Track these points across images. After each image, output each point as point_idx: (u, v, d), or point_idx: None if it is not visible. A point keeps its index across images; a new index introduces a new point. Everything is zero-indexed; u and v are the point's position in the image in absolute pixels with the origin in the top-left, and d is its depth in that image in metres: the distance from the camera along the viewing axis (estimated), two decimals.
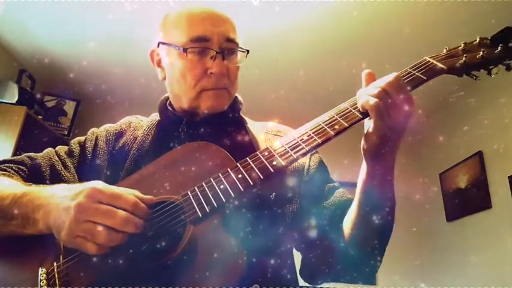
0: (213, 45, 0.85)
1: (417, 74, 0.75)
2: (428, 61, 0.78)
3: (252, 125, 0.99)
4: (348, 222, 0.79)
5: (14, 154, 2.50)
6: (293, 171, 0.88)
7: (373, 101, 0.66)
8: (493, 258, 2.58)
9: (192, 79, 0.86)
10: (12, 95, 2.69)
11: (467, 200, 2.89)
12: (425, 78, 0.74)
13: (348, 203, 0.82)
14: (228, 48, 0.87)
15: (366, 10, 2.24)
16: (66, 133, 3.19)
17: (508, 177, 2.50)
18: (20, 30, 2.63)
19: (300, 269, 0.88)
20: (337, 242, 0.79)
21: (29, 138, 2.64)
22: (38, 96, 3.06)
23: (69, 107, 3.28)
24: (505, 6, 2.13)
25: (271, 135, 0.96)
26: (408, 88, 0.70)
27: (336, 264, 0.80)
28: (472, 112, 2.94)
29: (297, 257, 0.88)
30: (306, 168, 0.90)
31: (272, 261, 0.76)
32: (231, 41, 0.88)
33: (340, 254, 0.79)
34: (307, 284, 0.90)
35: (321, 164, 0.94)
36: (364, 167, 0.74)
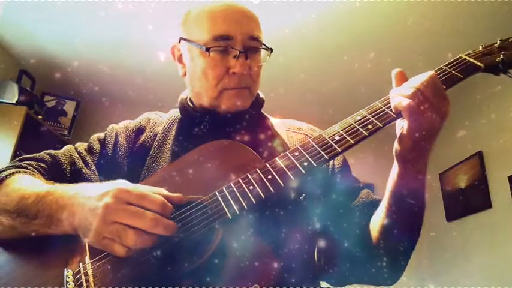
0: (236, 44, 0.82)
1: (454, 72, 0.72)
2: (465, 59, 0.75)
3: (273, 121, 0.97)
4: (375, 223, 0.77)
5: (14, 154, 2.50)
6: (319, 171, 0.85)
7: (406, 102, 0.63)
8: (493, 258, 2.58)
9: (213, 78, 0.84)
10: (12, 95, 2.68)
11: (467, 200, 2.89)
12: (462, 76, 0.71)
13: (374, 203, 0.81)
14: (251, 46, 0.84)
15: (367, 6, 2.24)
16: (66, 133, 3.19)
17: (508, 177, 2.50)
18: (20, 30, 2.63)
19: (324, 272, 0.85)
20: (364, 243, 0.77)
21: (29, 138, 2.63)
22: (38, 96, 3.06)
23: (69, 107, 3.28)
24: None
25: (293, 133, 0.94)
26: (443, 87, 0.68)
27: (361, 266, 0.78)
28: (472, 112, 2.94)
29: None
30: (330, 168, 0.88)
31: (299, 263, 0.74)
32: (255, 39, 0.85)
33: (366, 256, 0.77)
34: (328, 285, 0.88)
35: (345, 163, 0.92)
36: (395, 169, 0.71)
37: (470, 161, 2.89)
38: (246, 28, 0.83)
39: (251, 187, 0.66)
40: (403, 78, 0.71)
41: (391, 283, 0.80)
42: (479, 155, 2.80)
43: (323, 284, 0.87)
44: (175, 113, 0.98)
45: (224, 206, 0.64)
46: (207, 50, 0.82)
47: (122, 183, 0.63)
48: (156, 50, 2.53)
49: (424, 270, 3.30)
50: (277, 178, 0.66)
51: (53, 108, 3.24)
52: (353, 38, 2.51)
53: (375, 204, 0.80)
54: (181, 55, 0.92)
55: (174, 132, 0.91)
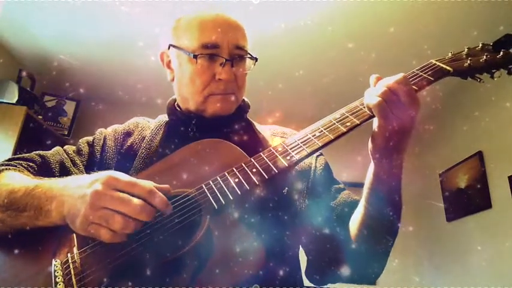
0: (223, 52, 0.86)
1: (424, 75, 0.77)
2: (435, 64, 0.80)
3: (258, 126, 1.01)
4: (355, 222, 0.80)
5: (14, 154, 2.49)
6: (301, 171, 0.89)
7: (376, 99, 0.67)
8: (493, 258, 2.58)
9: (200, 84, 0.87)
10: (12, 95, 2.69)
11: (467, 200, 2.89)
12: (432, 79, 0.76)
13: (354, 203, 0.84)
14: (237, 54, 0.89)
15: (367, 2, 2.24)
16: (66, 133, 3.19)
17: (508, 177, 2.50)
18: (20, 30, 2.63)
19: (306, 269, 0.89)
20: (345, 242, 0.80)
21: (29, 138, 2.63)
22: (38, 96, 3.06)
23: (69, 107, 3.28)
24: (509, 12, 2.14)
25: (278, 137, 0.97)
26: (414, 88, 0.71)
27: (343, 264, 0.81)
28: (472, 112, 2.94)
29: (302, 257, 0.88)
30: (312, 169, 0.91)
31: (280, 261, 0.76)
32: (241, 48, 0.89)
33: (347, 254, 0.80)
34: (311, 285, 0.91)
35: (327, 165, 0.96)
36: (371, 167, 0.74)
37: (470, 161, 2.89)
38: (233, 38, 0.88)
39: (236, 179, 0.69)
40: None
41: (372, 280, 0.83)
42: (479, 155, 2.80)
43: (307, 283, 0.89)
44: (163, 117, 1.01)
45: (210, 197, 0.67)
46: (195, 57, 0.86)
47: (112, 172, 0.65)
48: (157, 51, 2.52)
49: (424, 270, 3.30)
50: (261, 171, 0.70)
51: (53, 108, 3.24)
52: (353, 33, 2.50)
53: (355, 204, 0.83)
54: (170, 61, 0.96)
55: (161, 134, 0.94)
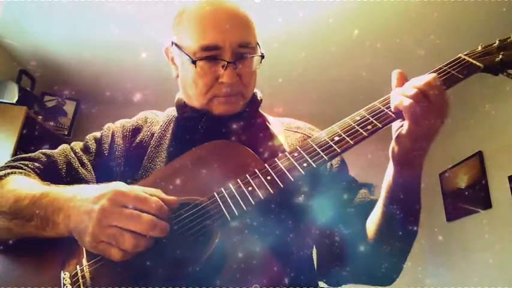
0: (225, 54, 0.80)
1: (453, 72, 0.71)
2: (464, 59, 0.74)
3: (271, 120, 0.96)
4: (371, 224, 0.77)
5: (14, 154, 2.50)
6: (317, 171, 0.86)
7: (408, 102, 0.62)
8: (493, 258, 2.58)
9: (203, 86, 0.83)
10: (12, 95, 2.68)
11: (467, 200, 2.89)
12: (461, 77, 0.71)
13: (371, 204, 0.80)
14: (241, 53, 0.82)
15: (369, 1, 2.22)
16: (66, 133, 3.19)
17: (508, 177, 2.50)
18: (20, 30, 2.63)
19: (320, 270, 0.85)
20: (361, 243, 0.77)
21: (29, 138, 2.63)
22: (38, 96, 3.06)
23: (69, 107, 3.28)
24: None
25: (291, 132, 0.93)
26: (444, 88, 0.66)
27: (357, 265, 0.78)
28: (472, 112, 2.94)
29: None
30: (328, 167, 0.87)
31: (297, 263, 0.73)
32: (245, 46, 0.82)
33: (362, 255, 0.77)
34: (325, 285, 0.88)
35: (343, 162, 0.91)
36: (390, 169, 0.71)
37: (470, 161, 2.89)
38: (236, 35, 0.80)
39: (250, 188, 0.65)
40: (403, 78, 0.70)
41: (388, 283, 0.80)
42: (479, 155, 2.80)
43: (321, 284, 0.87)
44: (172, 111, 0.97)
45: (223, 208, 0.64)
46: (194, 62, 0.80)
47: (118, 186, 0.62)
48: (158, 51, 2.52)
49: (424, 270, 3.30)
50: (277, 179, 0.65)
51: (53, 108, 3.23)
52: (358, 25, 2.44)
53: (372, 204, 0.80)
54: (173, 57, 0.91)
55: (171, 131, 0.90)
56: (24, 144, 2.59)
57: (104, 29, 2.54)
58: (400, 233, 0.72)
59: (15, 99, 2.68)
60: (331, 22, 2.38)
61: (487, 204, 2.67)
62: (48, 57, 2.89)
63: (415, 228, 0.74)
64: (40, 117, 2.91)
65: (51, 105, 3.24)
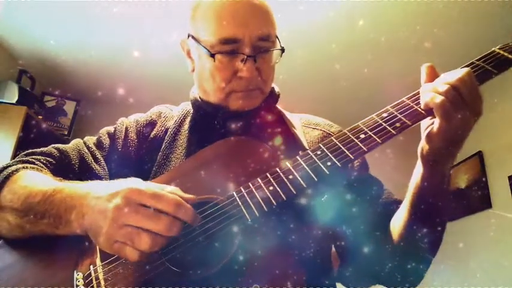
0: (244, 48, 0.77)
1: (487, 67, 0.67)
2: (498, 53, 0.69)
3: (289, 116, 0.93)
4: (396, 224, 0.74)
5: (14, 154, 2.50)
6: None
7: (439, 99, 0.59)
8: (494, 258, 2.58)
9: (221, 81, 0.80)
10: (12, 95, 2.68)
11: (467, 200, 2.89)
12: (496, 71, 0.66)
13: (395, 204, 0.78)
14: (261, 47, 0.79)
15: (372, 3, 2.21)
16: (66, 133, 3.19)
17: (508, 177, 2.50)
18: (20, 30, 2.63)
19: (341, 271, 0.82)
20: (384, 244, 0.74)
21: (29, 138, 2.63)
22: (38, 96, 3.05)
23: (69, 107, 3.28)
24: None
25: (310, 129, 0.90)
26: (478, 84, 0.63)
27: (381, 267, 0.75)
28: None
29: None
30: (349, 165, 0.83)
31: (317, 263, 0.71)
32: (265, 39, 0.79)
33: (386, 256, 0.74)
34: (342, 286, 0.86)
35: (364, 161, 0.88)
36: (419, 169, 0.67)
37: (470, 161, 2.89)
38: (255, 28, 0.77)
39: (271, 187, 0.62)
40: (433, 73, 0.66)
41: (417, 282, 0.76)
42: (479, 155, 2.80)
43: (338, 285, 0.85)
44: (186, 106, 0.95)
45: (243, 208, 0.60)
46: (212, 56, 0.77)
47: (133, 182, 0.59)
48: (158, 51, 2.53)
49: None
50: (299, 179, 0.62)
51: (53, 108, 3.23)
52: (362, 16, 2.40)
53: (396, 204, 0.77)
54: (189, 50, 0.88)
55: (186, 127, 0.88)
56: (24, 144, 2.58)
57: (104, 29, 2.54)
58: (426, 235, 0.69)
59: (15, 99, 2.68)
60: (331, 15, 2.35)
61: (487, 204, 2.67)
62: (48, 57, 2.88)
63: (442, 230, 0.71)
64: (40, 117, 2.91)
65: (51, 105, 3.23)
